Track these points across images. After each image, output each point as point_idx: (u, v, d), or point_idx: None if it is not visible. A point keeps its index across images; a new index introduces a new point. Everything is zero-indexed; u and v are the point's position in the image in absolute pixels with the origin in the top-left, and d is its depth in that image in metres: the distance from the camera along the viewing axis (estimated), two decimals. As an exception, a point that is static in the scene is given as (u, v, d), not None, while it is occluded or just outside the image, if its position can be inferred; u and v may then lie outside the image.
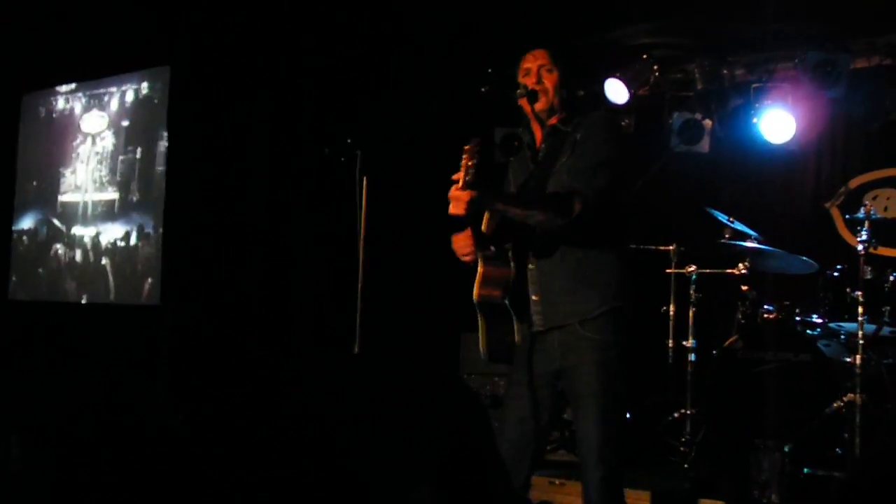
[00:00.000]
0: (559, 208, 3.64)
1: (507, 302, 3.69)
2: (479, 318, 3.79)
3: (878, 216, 6.14)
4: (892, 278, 5.93)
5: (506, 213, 3.71)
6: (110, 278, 8.70)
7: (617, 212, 3.84)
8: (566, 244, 3.72)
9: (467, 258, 3.86)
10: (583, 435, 3.72)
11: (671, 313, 6.77)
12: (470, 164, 3.40)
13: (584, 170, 3.71)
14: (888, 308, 5.89)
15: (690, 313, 6.67)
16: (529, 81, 3.85)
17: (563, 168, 3.76)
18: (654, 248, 6.94)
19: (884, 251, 6.24)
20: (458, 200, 3.49)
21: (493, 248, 3.71)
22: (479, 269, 3.71)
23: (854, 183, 7.28)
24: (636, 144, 7.83)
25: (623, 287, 3.79)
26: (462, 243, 3.86)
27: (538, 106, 3.84)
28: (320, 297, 7.27)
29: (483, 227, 3.77)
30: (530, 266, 3.76)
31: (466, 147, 3.41)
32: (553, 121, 3.89)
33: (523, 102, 3.86)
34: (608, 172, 3.76)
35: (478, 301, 3.70)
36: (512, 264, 3.71)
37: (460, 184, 3.43)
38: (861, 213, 5.90)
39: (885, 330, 5.93)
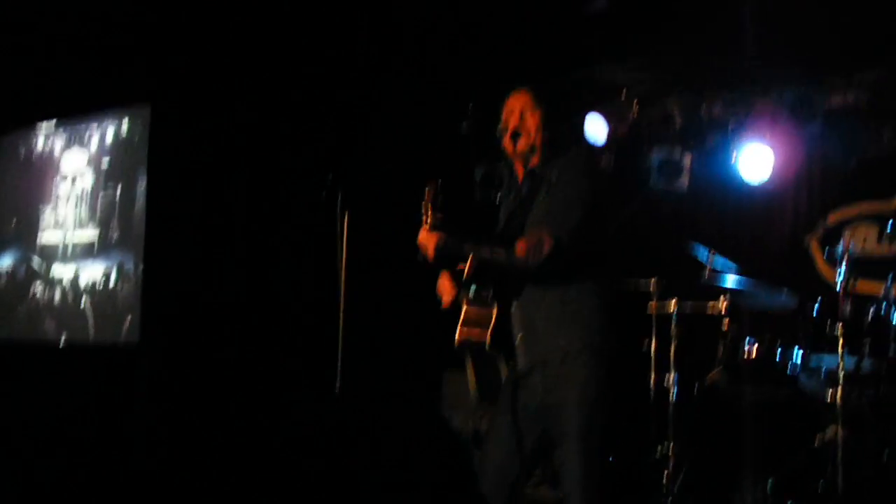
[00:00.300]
0: (529, 251, 3.66)
1: (490, 342, 3.68)
2: (466, 359, 3.80)
3: (857, 251, 6.17)
4: (871, 313, 5.95)
5: (478, 255, 3.71)
6: (90, 317, 8.65)
7: (596, 249, 3.84)
8: (547, 283, 3.74)
9: (446, 301, 3.86)
10: (566, 471, 3.71)
11: (652, 349, 6.77)
12: (430, 207, 3.43)
13: (556, 211, 3.74)
14: (868, 343, 5.91)
15: (671, 349, 6.67)
16: (512, 122, 3.88)
17: (538, 209, 3.78)
18: (634, 284, 6.95)
19: (863, 286, 6.26)
20: (425, 244, 3.51)
21: (474, 288, 3.71)
22: (463, 311, 3.72)
23: (833, 218, 7.34)
24: (616, 181, 7.85)
25: (604, 324, 3.81)
26: (442, 287, 3.88)
27: (519, 147, 3.87)
28: (301, 334, 7.24)
29: (466, 268, 3.78)
30: (513, 306, 3.76)
31: (428, 190, 3.43)
32: (534, 162, 3.91)
33: (506, 143, 3.88)
34: (580, 211, 3.77)
35: (461, 342, 3.70)
36: (494, 304, 3.71)
37: (427, 226, 3.45)
38: (840, 249, 5.94)
39: (865, 365, 5.94)
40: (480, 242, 3.73)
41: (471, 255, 3.75)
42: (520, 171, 3.98)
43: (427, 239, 3.52)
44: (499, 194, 4.17)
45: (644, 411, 6.78)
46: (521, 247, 3.68)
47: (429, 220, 3.44)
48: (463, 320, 3.71)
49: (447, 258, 3.65)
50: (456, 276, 3.73)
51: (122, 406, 7.94)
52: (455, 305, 3.88)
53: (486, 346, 3.70)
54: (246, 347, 7.57)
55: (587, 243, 3.80)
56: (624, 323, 6.92)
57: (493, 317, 3.71)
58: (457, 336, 3.71)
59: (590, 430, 3.70)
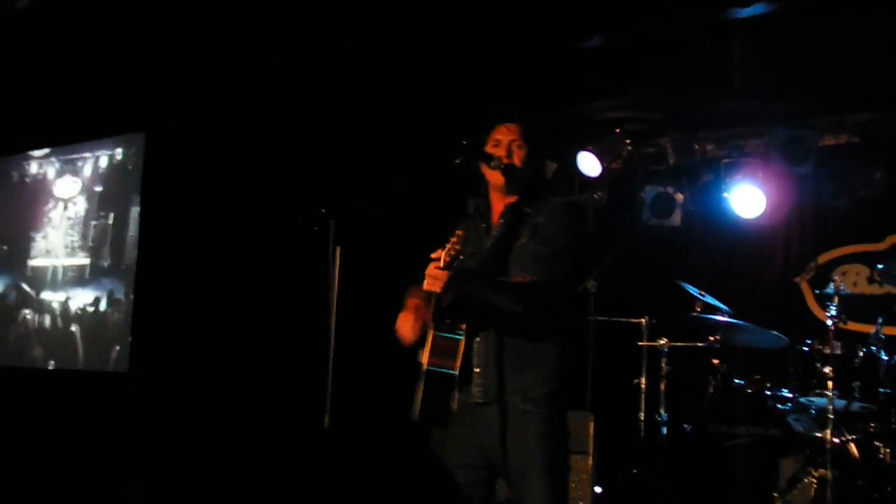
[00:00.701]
0: (526, 297, 3.69)
1: (457, 373, 3.69)
2: (420, 381, 3.81)
3: (848, 291, 6.20)
4: (861, 353, 5.96)
5: (473, 294, 3.71)
6: (79, 344, 8.61)
7: (571, 298, 3.90)
8: (514, 323, 3.75)
9: (407, 340, 3.88)
10: None
11: (643, 386, 6.77)
12: (457, 248, 3.43)
13: (545, 258, 3.76)
14: (858, 383, 5.91)
15: (662, 386, 6.68)
16: (501, 153, 3.87)
17: (523, 250, 3.79)
18: (626, 320, 6.97)
19: (853, 326, 6.29)
20: (436, 279, 3.51)
21: (448, 321, 3.72)
22: (430, 339, 3.72)
23: (823, 258, 7.37)
24: (609, 216, 7.89)
25: (565, 366, 3.84)
26: (409, 326, 3.88)
27: (506, 180, 3.86)
28: (291, 367, 7.22)
29: (444, 300, 3.79)
30: (477, 339, 3.77)
31: (459, 232, 3.43)
32: (514, 198, 3.91)
33: (494, 174, 3.87)
34: (566, 263, 3.82)
35: (428, 368, 3.69)
36: (462, 336, 3.72)
37: (441, 263, 3.45)
38: (830, 289, 5.96)
39: (855, 405, 5.94)
40: (481, 285, 3.73)
41: (450, 288, 3.75)
42: (497, 203, 3.98)
43: (440, 276, 3.51)
44: (465, 222, 4.15)
45: (634, 449, 6.78)
46: (516, 292, 3.70)
47: (448, 259, 3.44)
48: (431, 349, 3.71)
49: (450, 295, 3.65)
50: (437, 308, 3.72)
51: (109, 435, 7.90)
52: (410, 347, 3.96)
53: (455, 377, 3.71)
54: (235, 380, 7.53)
55: (567, 293, 3.83)
56: (615, 358, 7.02)
57: (461, 348, 3.72)
58: (424, 363, 3.70)
59: (553, 467, 3.74)
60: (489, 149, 3.90)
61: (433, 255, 3.51)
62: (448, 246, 3.43)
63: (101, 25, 7.73)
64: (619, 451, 6.94)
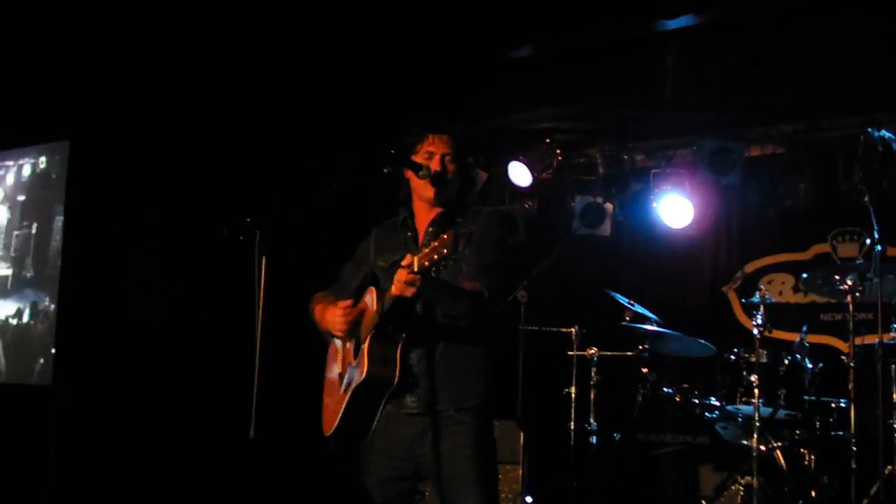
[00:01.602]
0: (478, 303, 3.69)
1: (396, 382, 3.66)
2: (340, 394, 3.77)
3: (774, 300, 6.29)
4: (786, 361, 6.04)
5: (432, 297, 3.69)
6: (1, 357, 8.43)
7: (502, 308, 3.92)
8: (448, 332, 3.76)
9: (339, 332, 3.84)
10: None
11: (573, 395, 6.79)
12: (442, 253, 3.33)
13: (486, 266, 3.76)
14: (784, 391, 5.99)
15: (592, 395, 6.71)
16: (433, 165, 3.85)
17: (459, 259, 3.76)
18: (555, 329, 6.99)
19: (779, 334, 6.38)
20: (411, 283, 3.45)
21: (390, 328, 3.68)
22: (367, 347, 3.68)
23: (750, 267, 7.47)
24: (538, 227, 7.92)
25: (493, 377, 3.86)
26: (341, 317, 3.83)
27: (437, 190, 3.84)
28: (217, 378, 7.13)
29: (373, 305, 3.75)
30: (412, 349, 3.75)
31: (444, 237, 3.35)
32: (442, 206, 3.90)
33: (422, 183, 3.85)
34: (504, 273, 3.87)
35: (366, 376, 3.65)
36: (399, 344, 3.69)
37: (416, 268, 3.38)
38: (757, 297, 6.03)
39: (781, 413, 6.02)
40: (443, 289, 3.71)
41: (381, 293, 3.72)
42: (422, 212, 3.96)
43: (413, 279, 3.44)
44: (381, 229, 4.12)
45: (564, 458, 6.79)
46: (472, 298, 3.69)
47: (426, 264, 3.36)
48: (370, 357, 3.67)
49: (414, 299, 3.61)
50: (383, 313, 3.68)
51: (32, 449, 7.74)
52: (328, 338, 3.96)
53: (394, 385, 3.67)
54: (160, 392, 7.42)
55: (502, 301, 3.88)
56: (545, 368, 7.04)
57: (399, 357, 3.69)
58: (363, 370, 3.66)
59: (486, 476, 3.76)
60: (419, 159, 3.87)
61: (404, 262, 3.45)
62: (426, 251, 3.35)
63: (24, 31, 7.59)
64: (549, 460, 6.96)
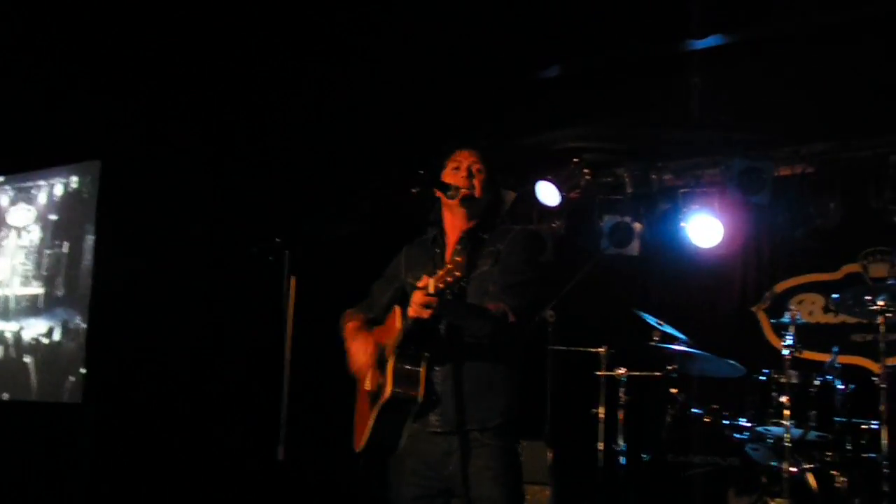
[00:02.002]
0: (503, 326, 3.68)
1: (420, 400, 3.67)
2: (369, 411, 3.78)
3: (803, 321, 6.24)
4: (817, 382, 5.98)
5: (453, 319, 3.70)
6: (32, 375, 8.49)
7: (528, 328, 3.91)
8: (473, 352, 3.75)
9: (362, 367, 3.88)
10: None
11: (601, 415, 6.76)
12: (455, 275, 3.35)
13: (512, 286, 3.76)
14: (814, 412, 5.93)
15: (620, 415, 6.67)
16: (460, 181, 3.86)
17: (485, 276, 3.78)
18: (584, 349, 6.96)
19: (809, 355, 6.32)
20: (425, 306, 3.46)
21: (413, 348, 3.69)
22: (391, 366, 3.69)
23: (780, 287, 7.41)
24: (567, 248, 7.91)
25: (519, 400, 3.84)
26: (364, 351, 3.87)
27: (465, 208, 3.85)
28: (246, 399, 7.16)
29: (398, 324, 3.76)
30: (437, 368, 3.75)
31: (458, 259, 3.37)
32: (471, 224, 3.90)
33: (451, 203, 3.86)
34: (531, 293, 3.85)
35: (390, 396, 3.66)
36: (423, 364, 3.70)
37: (431, 289, 3.39)
38: (786, 318, 5.99)
39: (812, 434, 5.96)
40: (465, 311, 3.72)
41: (403, 312, 3.73)
42: (451, 230, 3.97)
43: (431, 301, 3.45)
44: (412, 247, 4.13)
45: (592, 478, 6.76)
46: (495, 319, 3.68)
47: (441, 286, 3.37)
48: (394, 376, 3.69)
49: (434, 322, 3.62)
50: (406, 334, 3.69)
51: (63, 467, 7.79)
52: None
53: (418, 404, 3.68)
54: (189, 411, 7.46)
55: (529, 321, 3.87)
56: (573, 388, 7.02)
57: (422, 376, 3.70)
58: (388, 391, 3.67)
59: (512, 496, 3.76)
60: (447, 174, 3.89)
61: (419, 284, 3.46)
62: (441, 273, 3.37)
63: (57, 53, 7.68)
64: (577, 480, 6.92)
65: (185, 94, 7.49)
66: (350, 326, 4.05)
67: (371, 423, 3.77)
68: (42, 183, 8.75)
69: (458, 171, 3.89)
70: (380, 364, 3.84)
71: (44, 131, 8.26)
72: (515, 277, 3.78)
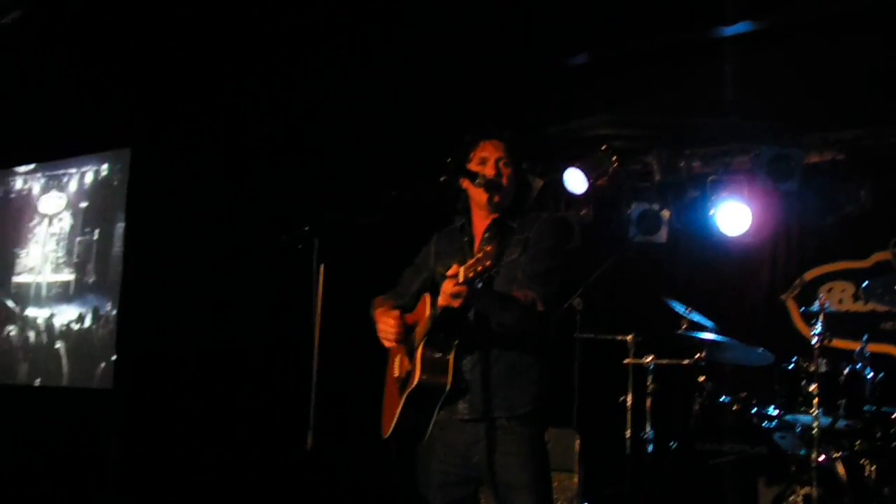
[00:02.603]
0: (531, 312, 3.69)
1: (448, 388, 3.68)
2: (398, 398, 3.80)
3: (833, 309, 6.22)
4: (846, 371, 5.96)
5: (481, 307, 3.71)
6: (64, 361, 8.58)
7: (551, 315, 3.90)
8: (502, 340, 3.77)
9: (388, 342, 3.92)
10: None
11: (629, 403, 6.76)
12: (485, 264, 3.36)
13: (540, 274, 3.77)
14: (843, 401, 5.91)
15: (648, 403, 6.66)
16: (488, 171, 3.87)
17: (514, 265, 3.79)
18: (611, 337, 6.96)
19: (838, 343, 6.29)
20: (457, 295, 3.47)
21: (442, 335, 3.71)
22: (420, 353, 3.71)
23: (809, 275, 7.37)
24: (594, 236, 7.89)
25: (547, 388, 3.85)
26: (392, 328, 3.89)
27: (489, 197, 3.86)
28: (276, 385, 7.20)
29: (427, 312, 3.77)
30: (465, 356, 3.76)
31: (488, 248, 3.39)
32: (499, 213, 3.91)
33: (477, 191, 3.87)
34: (558, 281, 3.86)
35: (418, 383, 3.68)
36: (452, 352, 3.71)
37: (461, 279, 3.41)
38: (816, 306, 5.96)
39: (841, 423, 5.94)
40: (494, 299, 3.73)
41: (433, 300, 3.74)
42: (479, 219, 3.98)
43: (461, 291, 3.47)
44: (441, 236, 4.15)
45: (620, 466, 6.76)
46: (523, 307, 3.70)
47: (471, 275, 3.38)
48: (422, 364, 3.71)
49: (464, 311, 3.64)
50: (434, 321, 3.71)
51: (94, 452, 7.86)
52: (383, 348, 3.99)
53: (446, 392, 3.70)
54: (219, 397, 7.51)
55: (557, 311, 3.87)
56: (600, 376, 7.02)
57: (451, 364, 3.71)
58: (416, 377, 3.69)
59: (540, 482, 3.77)
60: (474, 166, 3.90)
61: (449, 273, 3.48)
62: (471, 262, 3.38)
63: (88, 41, 7.73)
64: (605, 468, 6.93)
65: (216, 82, 7.52)
66: (380, 311, 4.07)
67: (399, 410, 3.80)
68: (73, 171, 8.82)
69: (485, 164, 3.90)
70: (409, 351, 3.86)
71: (74, 119, 8.32)
72: (544, 265, 3.79)
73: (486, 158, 3.92)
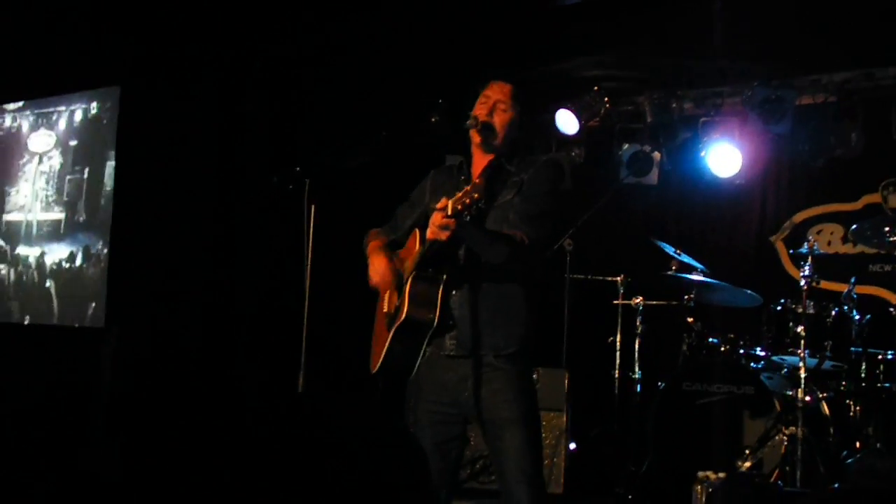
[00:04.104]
0: (519, 250, 3.70)
1: (436, 323, 3.70)
2: (386, 333, 3.82)
3: (822, 251, 6.25)
4: (833, 313, 6.01)
5: (470, 240, 3.72)
6: (54, 299, 8.59)
7: (540, 256, 3.92)
8: (491, 278, 3.78)
9: (374, 283, 3.94)
10: (506, 458, 3.74)
11: (618, 344, 6.82)
12: (473, 197, 3.37)
13: (532, 216, 3.77)
14: (830, 342, 5.97)
15: (636, 344, 6.72)
16: (482, 112, 3.87)
17: (507, 206, 3.80)
18: (601, 278, 7.00)
19: (826, 285, 6.34)
20: (444, 227, 3.49)
21: (431, 269, 3.72)
22: (408, 288, 3.72)
23: (799, 218, 7.40)
24: (585, 177, 7.89)
25: (533, 322, 3.87)
26: (384, 267, 3.91)
27: (482, 139, 3.86)
28: (266, 325, 7.22)
29: (416, 247, 3.78)
30: (454, 291, 3.79)
31: (477, 182, 3.39)
32: (494, 155, 3.91)
33: (472, 132, 3.88)
34: (550, 223, 3.88)
35: (406, 317, 3.70)
36: (440, 286, 3.73)
37: (449, 211, 3.42)
38: (805, 248, 5.99)
39: (827, 364, 6.01)
40: (481, 232, 3.75)
41: (422, 235, 3.75)
42: (478, 159, 3.98)
43: (449, 223, 3.48)
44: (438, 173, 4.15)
45: (608, 406, 6.83)
46: (509, 241, 3.70)
47: (459, 207, 3.39)
48: (410, 297, 3.72)
49: (452, 244, 3.66)
50: (423, 255, 3.72)
51: (84, 391, 7.89)
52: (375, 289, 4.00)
53: (434, 326, 3.73)
54: (210, 336, 7.54)
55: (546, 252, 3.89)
56: (590, 316, 7.06)
57: (440, 299, 3.73)
58: (404, 312, 3.70)
59: (528, 419, 3.78)
60: (477, 105, 3.90)
61: (438, 206, 3.49)
62: (459, 195, 3.39)
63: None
64: (593, 407, 7.01)
65: (205, 20, 7.44)
66: (373, 244, 4.08)
67: (387, 345, 3.81)
68: (62, 108, 8.75)
69: (485, 104, 3.91)
70: (398, 286, 3.88)
71: (63, 57, 8.24)
72: (537, 208, 3.80)
73: (487, 99, 3.91)
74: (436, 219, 3.50)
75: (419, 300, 3.72)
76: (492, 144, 3.89)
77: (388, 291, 3.98)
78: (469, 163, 4.00)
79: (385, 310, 3.97)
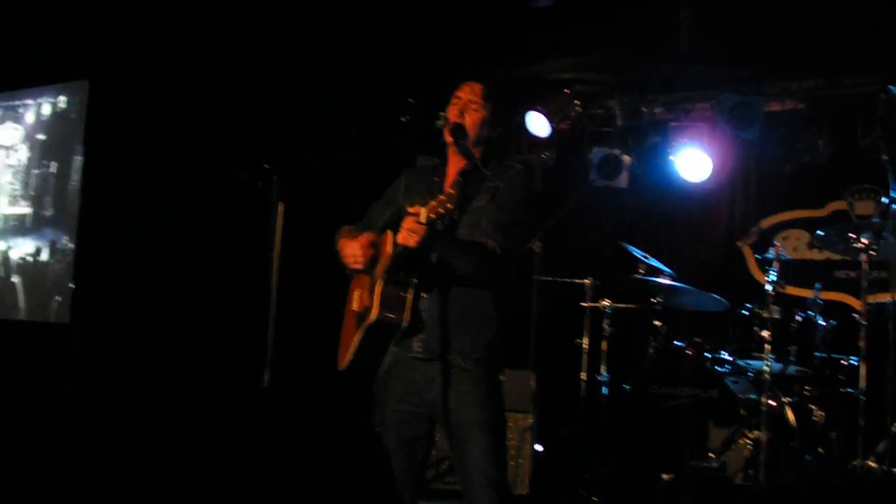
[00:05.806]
0: (489, 260, 3.73)
1: (405, 325, 3.71)
2: (355, 331, 3.82)
3: (788, 257, 6.29)
4: (799, 318, 6.06)
5: (441, 249, 3.73)
6: (20, 294, 8.51)
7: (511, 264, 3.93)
8: (461, 282, 3.79)
9: (358, 265, 3.90)
10: (471, 462, 3.75)
11: (585, 346, 6.84)
12: (447, 207, 3.38)
13: (504, 225, 3.79)
14: (795, 347, 6.01)
15: (604, 346, 6.74)
16: (453, 113, 3.87)
17: (480, 211, 3.81)
18: (569, 280, 7.01)
19: (792, 291, 6.39)
20: (414, 233, 3.50)
21: (402, 273, 3.72)
22: (379, 289, 3.72)
23: (766, 223, 7.46)
24: (555, 179, 7.91)
25: (501, 335, 3.88)
26: (359, 252, 3.88)
27: (456, 138, 3.86)
28: (233, 323, 7.19)
29: (387, 249, 3.79)
30: (423, 295, 3.79)
31: (452, 192, 3.41)
32: (465, 156, 3.90)
33: (445, 133, 3.88)
34: (522, 232, 3.94)
35: (376, 318, 3.70)
36: (410, 290, 3.73)
37: (422, 218, 3.43)
38: (771, 253, 6.04)
39: (791, 369, 6.05)
40: (453, 245, 3.75)
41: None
42: (452, 161, 3.98)
43: (418, 230, 3.49)
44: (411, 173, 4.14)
45: (575, 408, 6.85)
46: (482, 253, 3.73)
47: (433, 216, 3.40)
48: (381, 299, 3.72)
49: (423, 251, 3.66)
50: (396, 258, 3.72)
51: (50, 386, 7.83)
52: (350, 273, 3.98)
53: (402, 328, 3.73)
54: (176, 332, 7.50)
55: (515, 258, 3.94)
56: (557, 319, 7.08)
57: (409, 301, 3.74)
58: (373, 313, 3.70)
59: (494, 422, 3.80)
60: (450, 107, 3.90)
61: (411, 210, 3.49)
62: (434, 204, 3.40)
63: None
64: (559, 409, 7.02)
65: (176, 15, 7.40)
66: (342, 241, 4.06)
67: (356, 343, 3.82)
68: (30, 102, 8.67)
69: (456, 105, 3.90)
70: (369, 286, 3.87)
71: (31, 50, 8.16)
72: (509, 216, 3.81)
73: (459, 100, 3.91)
74: (407, 223, 3.51)
75: (389, 302, 3.73)
76: (463, 145, 3.89)
77: (358, 290, 3.98)
78: (444, 164, 4.00)
79: (355, 308, 3.96)
